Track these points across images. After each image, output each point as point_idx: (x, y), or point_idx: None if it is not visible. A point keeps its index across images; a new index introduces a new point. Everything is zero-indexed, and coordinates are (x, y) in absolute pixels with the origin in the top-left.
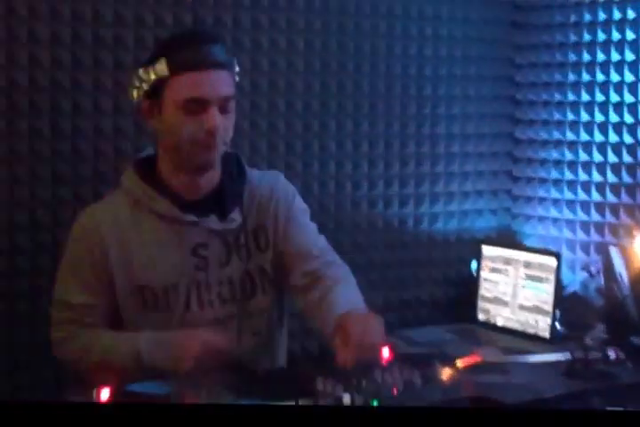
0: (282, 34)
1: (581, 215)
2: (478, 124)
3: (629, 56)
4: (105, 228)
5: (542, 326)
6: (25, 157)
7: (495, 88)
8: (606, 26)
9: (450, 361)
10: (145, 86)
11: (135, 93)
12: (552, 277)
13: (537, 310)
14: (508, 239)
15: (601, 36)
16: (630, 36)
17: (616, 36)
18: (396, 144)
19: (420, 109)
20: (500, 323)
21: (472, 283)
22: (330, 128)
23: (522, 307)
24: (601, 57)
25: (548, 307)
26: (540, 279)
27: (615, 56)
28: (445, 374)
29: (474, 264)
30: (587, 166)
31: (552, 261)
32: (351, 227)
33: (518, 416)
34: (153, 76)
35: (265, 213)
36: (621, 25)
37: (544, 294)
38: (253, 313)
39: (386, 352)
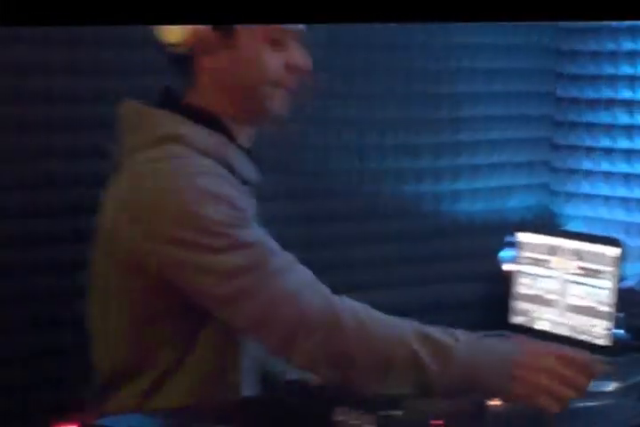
0: None
1: None
2: (509, 80)
3: None
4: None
5: (599, 331)
6: None
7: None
8: None
9: None
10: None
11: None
12: (612, 270)
13: (592, 311)
14: (547, 222)
15: None
16: None
17: None
18: (410, 107)
19: (439, 65)
20: (543, 327)
21: (505, 278)
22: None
23: (572, 308)
24: None
25: (607, 308)
26: (596, 273)
27: None
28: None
29: (505, 254)
30: None
31: (612, 251)
32: (356, 212)
33: None
34: None
35: None
36: None
37: (601, 292)
38: None
39: None
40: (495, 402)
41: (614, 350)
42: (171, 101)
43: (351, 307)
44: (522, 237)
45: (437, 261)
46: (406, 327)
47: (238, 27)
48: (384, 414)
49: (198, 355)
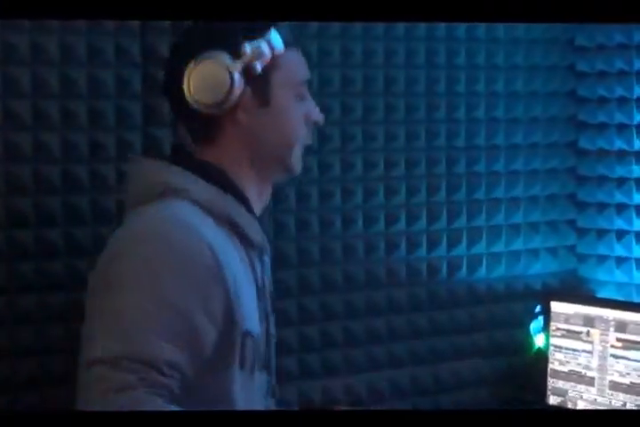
0: None
1: None
2: (530, 132)
3: None
4: (217, 249)
5: None
6: None
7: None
8: None
9: None
10: (252, 68)
11: (227, 80)
12: None
13: (638, 389)
14: (575, 289)
15: None
16: None
17: None
18: (422, 162)
19: (450, 112)
20: (582, 408)
21: (536, 352)
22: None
23: (615, 386)
24: None
25: None
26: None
27: None
28: None
29: (535, 325)
30: None
31: None
32: (364, 280)
33: None
34: (267, 53)
35: None
36: None
37: None
38: None
39: None
40: None
41: None
42: (182, 157)
43: None
44: (555, 306)
45: (454, 334)
46: None
47: (274, 83)
48: None
49: None
